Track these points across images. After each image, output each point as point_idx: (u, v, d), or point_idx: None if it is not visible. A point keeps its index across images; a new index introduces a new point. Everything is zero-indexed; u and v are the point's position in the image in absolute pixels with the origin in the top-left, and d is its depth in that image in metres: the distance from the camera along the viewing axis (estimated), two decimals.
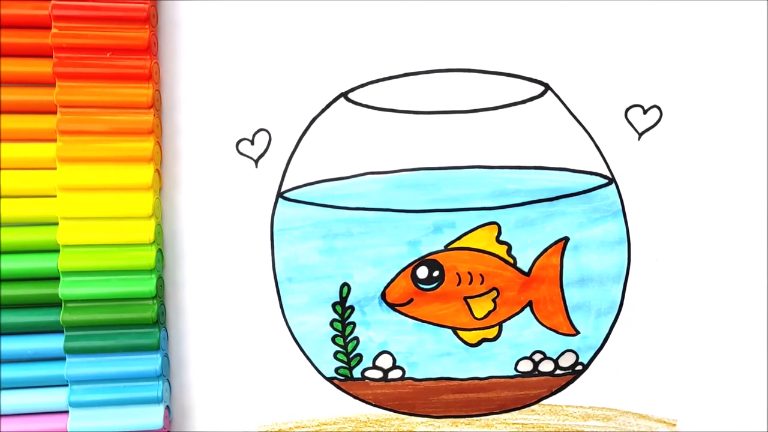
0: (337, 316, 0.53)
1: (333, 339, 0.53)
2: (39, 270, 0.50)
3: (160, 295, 0.51)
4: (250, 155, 0.52)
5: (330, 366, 0.53)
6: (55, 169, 0.50)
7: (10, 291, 0.50)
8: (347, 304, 0.52)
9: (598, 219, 0.52)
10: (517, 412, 0.54)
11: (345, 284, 0.52)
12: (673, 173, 0.52)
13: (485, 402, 0.54)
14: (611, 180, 0.52)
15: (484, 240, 0.52)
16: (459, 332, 0.53)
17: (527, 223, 0.52)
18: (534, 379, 0.53)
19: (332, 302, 0.52)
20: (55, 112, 0.50)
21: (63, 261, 0.50)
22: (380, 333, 0.53)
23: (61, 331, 0.50)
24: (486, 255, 0.52)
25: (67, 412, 0.51)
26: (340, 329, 0.53)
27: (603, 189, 0.52)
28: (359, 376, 0.53)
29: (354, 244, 0.52)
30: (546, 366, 0.53)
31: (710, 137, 0.52)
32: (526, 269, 0.52)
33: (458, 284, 0.52)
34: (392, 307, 0.52)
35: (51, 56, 0.49)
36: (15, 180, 0.50)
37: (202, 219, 0.52)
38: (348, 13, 0.51)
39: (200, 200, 0.52)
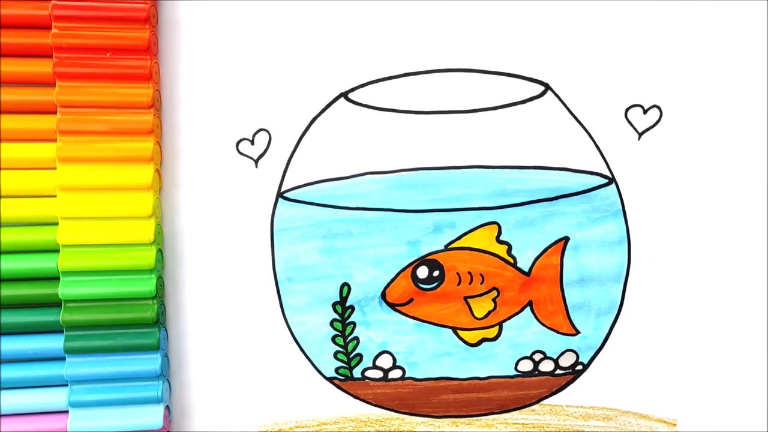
0: (337, 316, 0.52)
1: (333, 339, 0.53)
2: (39, 270, 0.50)
3: (160, 295, 0.51)
4: (250, 155, 0.52)
5: (330, 366, 0.53)
6: (55, 169, 0.50)
7: (10, 291, 0.50)
8: (347, 304, 0.52)
9: (598, 219, 0.52)
10: (517, 412, 0.54)
11: (345, 284, 0.52)
12: (673, 173, 0.52)
13: (485, 402, 0.54)
14: (611, 180, 0.52)
15: (484, 240, 0.52)
16: (459, 332, 0.53)
17: (527, 223, 0.52)
18: (534, 378, 0.53)
19: (332, 302, 0.52)
20: (55, 112, 0.50)
21: (63, 261, 0.50)
22: (380, 333, 0.53)
23: (61, 331, 0.50)
24: (486, 255, 0.52)
25: (67, 412, 0.51)
26: (341, 329, 0.53)
27: (603, 189, 0.52)
28: (359, 376, 0.53)
29: (354, 244, 0.52)
30: (546, 366, 0.53)
31: (710, 137, 0.52)
32: (526, 269, 0.52)
33: (458, 284, 0.52)
34: (392, 307, 0.52)
35: (51, 56, 0.49)
36: (15, 180, 0.50)
37: (202, 219, 0.52)
38: (348, 13, 0.51)
39: (200, 200, 0.52)
